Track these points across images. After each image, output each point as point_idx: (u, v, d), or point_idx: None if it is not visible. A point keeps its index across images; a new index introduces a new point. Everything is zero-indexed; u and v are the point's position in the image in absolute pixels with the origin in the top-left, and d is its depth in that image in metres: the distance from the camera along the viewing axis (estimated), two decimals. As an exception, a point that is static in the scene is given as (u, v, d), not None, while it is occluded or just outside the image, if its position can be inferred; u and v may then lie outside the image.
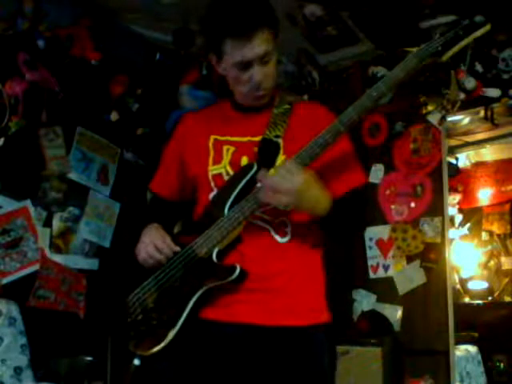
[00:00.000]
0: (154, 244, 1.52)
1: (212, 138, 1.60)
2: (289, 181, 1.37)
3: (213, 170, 1.56)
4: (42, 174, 3.04)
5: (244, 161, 1.54)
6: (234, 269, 1.44)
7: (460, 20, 1.44)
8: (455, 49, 1.43)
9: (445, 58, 1.44)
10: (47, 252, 3.02)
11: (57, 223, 3.11)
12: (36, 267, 2.94)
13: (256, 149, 1.53)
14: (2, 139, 2.87)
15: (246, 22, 1.44)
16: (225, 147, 1.57)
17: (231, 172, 1.54)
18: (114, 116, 3.42)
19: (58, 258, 3.06)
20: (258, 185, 1.45)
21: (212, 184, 1.56)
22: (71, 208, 3.17)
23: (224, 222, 1.47)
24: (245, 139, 1.57)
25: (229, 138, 1.58)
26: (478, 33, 1.43)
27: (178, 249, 1.52)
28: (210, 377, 1.47)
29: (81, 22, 3.18)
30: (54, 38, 3.05)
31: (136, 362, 1.53)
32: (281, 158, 1.52)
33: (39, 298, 2.93)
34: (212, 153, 1.57)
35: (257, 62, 1.47)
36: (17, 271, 2.87)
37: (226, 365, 1.46)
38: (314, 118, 1.60)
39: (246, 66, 1.48)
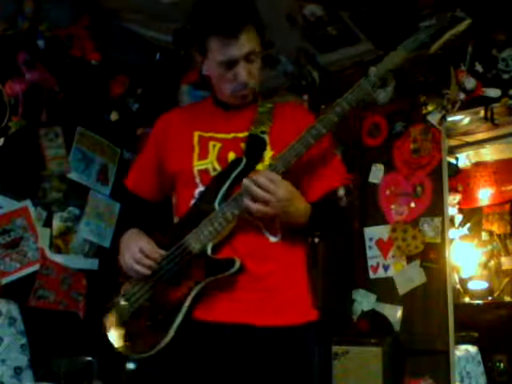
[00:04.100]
0: (140, 249, 1.47)
1: (196, 134, 1.57)
2: (274, 193, 1.36)
3: (198, 165, 1.53)
4: (41, 173, 3.04)
5: (231, 156, 1.51)
6: (234, 262, 1.41)
7: (443, 13, 1.45)
8: (442, 40, 1.43)
9: (432, 49, 1.44)
10: (47, 252, 3.02)
11: (57, 223, 3.11)
12: (36, 267, 2.94)
13: (243, 144, 1.52)
14: (2, 139, 2.87)
15: (233, 20, 1.43)
16: (211, 143, 1.54)
17: (218, 168, 1.51)
18: (114, 116, 3.42)
19: (58, 258, 3.06)
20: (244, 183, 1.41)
21: (197, 180, 1.52)
22: (71, 208, 3.17)
23: (217, 217, 1.44)
24: (229, 136, 1.55)
25: (214, 135, 1.55)
26: (462, 26, 1.43)
27: (163, 252, 1.48)
28: (202, 377, 1.45)
29: (81, 22, 3.18)
30: (54, 38, 3.05)
31: (130, 365, 1.48)
32: (268, 153, 1.50)
33: (39, 298, 2.93)
34: (197, 149, 1.54)
35: (242, 60, 1.46)
36: (17, 271, 2.87)
37: (216, 365, 1.44)
38: (296, 117, 1.59)
39: (231, 64, 1.46)
